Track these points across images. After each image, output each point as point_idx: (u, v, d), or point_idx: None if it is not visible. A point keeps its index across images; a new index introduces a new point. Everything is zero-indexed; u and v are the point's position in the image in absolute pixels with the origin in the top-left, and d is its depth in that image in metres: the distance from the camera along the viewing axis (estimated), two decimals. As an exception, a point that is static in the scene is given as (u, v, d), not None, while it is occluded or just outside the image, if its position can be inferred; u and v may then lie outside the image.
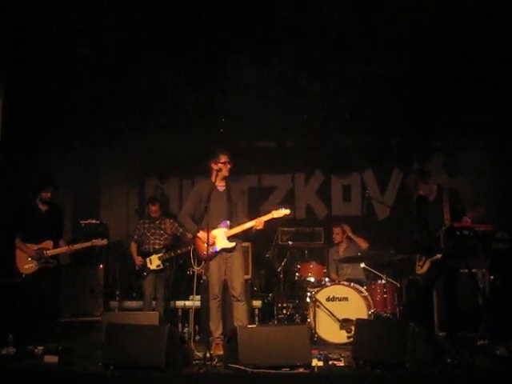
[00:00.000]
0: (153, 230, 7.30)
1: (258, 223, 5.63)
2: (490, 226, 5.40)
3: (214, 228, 5.62)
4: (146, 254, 7.18)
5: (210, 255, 5.51)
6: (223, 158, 5.72)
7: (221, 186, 5.82)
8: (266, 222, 5.66)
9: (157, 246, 7.20)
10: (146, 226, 7.35)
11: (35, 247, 6.31)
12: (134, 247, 7.33)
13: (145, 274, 7.11)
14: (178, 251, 7.11)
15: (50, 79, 6.85)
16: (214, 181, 5.72)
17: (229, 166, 5.74)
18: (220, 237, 5.67)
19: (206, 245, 5.35)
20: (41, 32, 5.84)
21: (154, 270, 7.11)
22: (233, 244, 5.68)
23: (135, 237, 7.37)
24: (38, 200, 6.41)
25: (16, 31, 5.78)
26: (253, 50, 6.42)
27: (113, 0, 5.42)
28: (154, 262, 7.12)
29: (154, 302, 7.11)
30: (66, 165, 8.75)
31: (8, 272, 6.31)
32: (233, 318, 5.74)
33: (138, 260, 7.17)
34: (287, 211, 5.68)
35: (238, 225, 5.72)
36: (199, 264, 5.94)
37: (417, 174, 6.18)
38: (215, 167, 5.74)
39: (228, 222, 5.71)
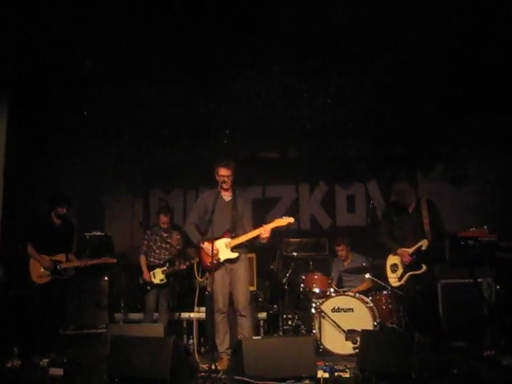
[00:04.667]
0: (159, 243, 7.27)
1: (263, 231, 5.52)
2: (494, 235, 5.38)
3: (218, 238, 5.56)
4: (150, 268, 7.15)
5: (213, 266, 5.43)
6: (221, 171, 5.66)
7: (227, 195, 5.80)
8: (271, 230, 5.55)
9: (162, 261, 7.16)
10: (153, 237, 7.30)
11: (49, 258, 6.47)
12: (143, 260, 7.21)
13: (148, 287, 7.07)
14: (182, 266, 7.08)
15: (54, 92, 6.89)
16: (218, 191, 5.70)
17: (226, 180, 5.65)
18: (223, 247, 5.60)
19: (209, 256, 5.34)
20: (45, 45, 5.88)
21: (157, 285, 7.08)
22: (236, 254, 5.60)
23: (144, 248, 7.28)
24: (53, 214, 6.63)
25: (20, 44, 5.82)
26: (255, 61, 6.45)
27: (117, 14, 5.46)
28: (158, 276, 7.09)
29: (155, 314, 7.09)
30: (70, 176, 8.79)
31: (18, 282, 6.36)
32: (237, 331, 5.67)
33: (147, 275, 7.08)
34: (291, 219, 5.60)
35: (243, 234, 5.63)
36: (203, 275, 5.91)
37: (409, 181, 6.15)
38: (217, 178, 5.72)
39: (232, 232, 5.64)
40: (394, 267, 5.97)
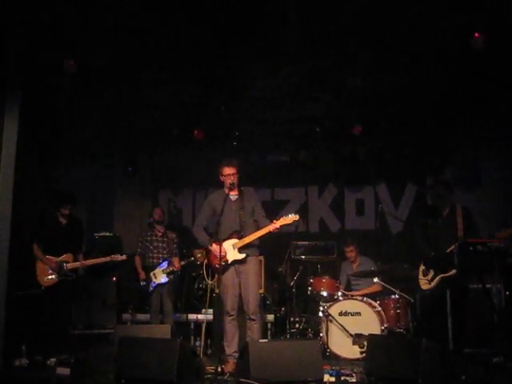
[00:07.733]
0: (155, 244, 7.31)
1: (272, 229, 5.43)
2: (504, 241, 5.34)
3: (225, 240, 5.54)
4: (149, 268, 7.19)
5: (221, 268, 5.41)
6: (225, 170, 5.66)
7: (233, 195, 5.74)
8: (280, 226, 5.45)
9: (161, 260, 7.22)
10: (149, 238, 7.36)
11: (55, 259, 6.41)
12: (138, 261, 7.33)
13: (151, 288, 7.12)
14: (182, 263, 7.15)
15: (64, 92, 6.92)
16: (225, 191, 5.69)
17: (231, 178, 5.62)
18: (230, 248, 5.55)
19: (217, 257, 5.30)
20: (55, 46, 5.91)
21: (159, 284, 7.12)
22: (243, 255, 5.53)
23: (139, 250, 7.38)
24: (59, 214, 6.59)
25: (32, 45, 5.85)
26: (264, 62, 6.44)
27: (127, 13, 5.46)
28: (159, 276, 7.13)
29: (160, 316, 7.11)
30: (80, 177, 8.83)
31: (26, 283, 6.37)
32: (246, 334, 5.62)
33: (142, 274, 7.18)
34: (296, 217, 5.48)
35: (253, 232, 5.57)
36: (213, 278, 5.90)
37: (446, 185, 6.17)
38: (222, 179, 5.71)
39: (239, 233, 5.58)
40: (426, 271, 5.95)
